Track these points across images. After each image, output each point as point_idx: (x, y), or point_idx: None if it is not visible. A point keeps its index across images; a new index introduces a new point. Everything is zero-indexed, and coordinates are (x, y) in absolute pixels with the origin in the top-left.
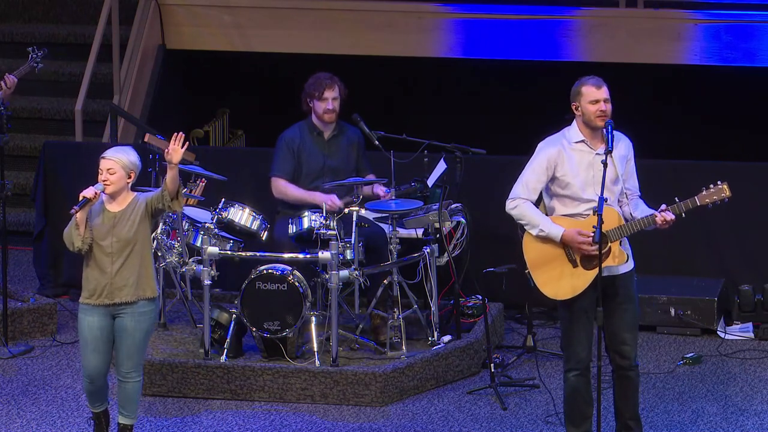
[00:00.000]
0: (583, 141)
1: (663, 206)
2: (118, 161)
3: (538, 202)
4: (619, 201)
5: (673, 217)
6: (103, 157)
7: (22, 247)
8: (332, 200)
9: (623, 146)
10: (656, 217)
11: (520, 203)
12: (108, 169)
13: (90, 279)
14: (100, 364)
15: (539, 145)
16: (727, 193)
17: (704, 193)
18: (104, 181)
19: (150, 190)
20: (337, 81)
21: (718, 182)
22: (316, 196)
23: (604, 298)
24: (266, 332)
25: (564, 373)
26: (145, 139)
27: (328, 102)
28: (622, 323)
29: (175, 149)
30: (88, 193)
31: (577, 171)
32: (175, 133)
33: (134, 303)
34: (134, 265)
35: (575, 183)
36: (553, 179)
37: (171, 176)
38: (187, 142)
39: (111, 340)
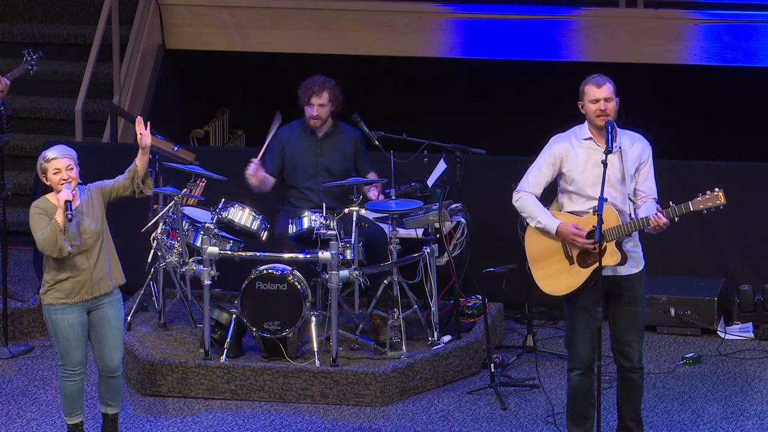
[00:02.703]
0: (590, 139)
1: (657, 208)
2: (72, 158)
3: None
4: (633, 202)
5: (666, 220)
6: (54, 158)
7: (22, 247)
8: (250, 169)
9: (639, 147)
10: (650, 219)
11: (522, 196)
12: (67, 167)
13: (66, 280)
14: (84, 358)
15: (550, 140)
16: (722, 201)
17: (699, 198)
18: (67, 180)
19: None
20: (328, 87)
21: (715, 189)
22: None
23: (610, 299)
24: (266, 332)
25: (567, 372)
26: None
27: (313, 108)
28: (626, 325)
29: (145, 134)
30: (68, 195)
31: (582, 168)
32: (137, 117)
33: (111, 293)
34: (106, 255)
35: (580, 180)
36: (560, 175)
37: (144, 161)
38: (149, 122)
39: (87, 335)
